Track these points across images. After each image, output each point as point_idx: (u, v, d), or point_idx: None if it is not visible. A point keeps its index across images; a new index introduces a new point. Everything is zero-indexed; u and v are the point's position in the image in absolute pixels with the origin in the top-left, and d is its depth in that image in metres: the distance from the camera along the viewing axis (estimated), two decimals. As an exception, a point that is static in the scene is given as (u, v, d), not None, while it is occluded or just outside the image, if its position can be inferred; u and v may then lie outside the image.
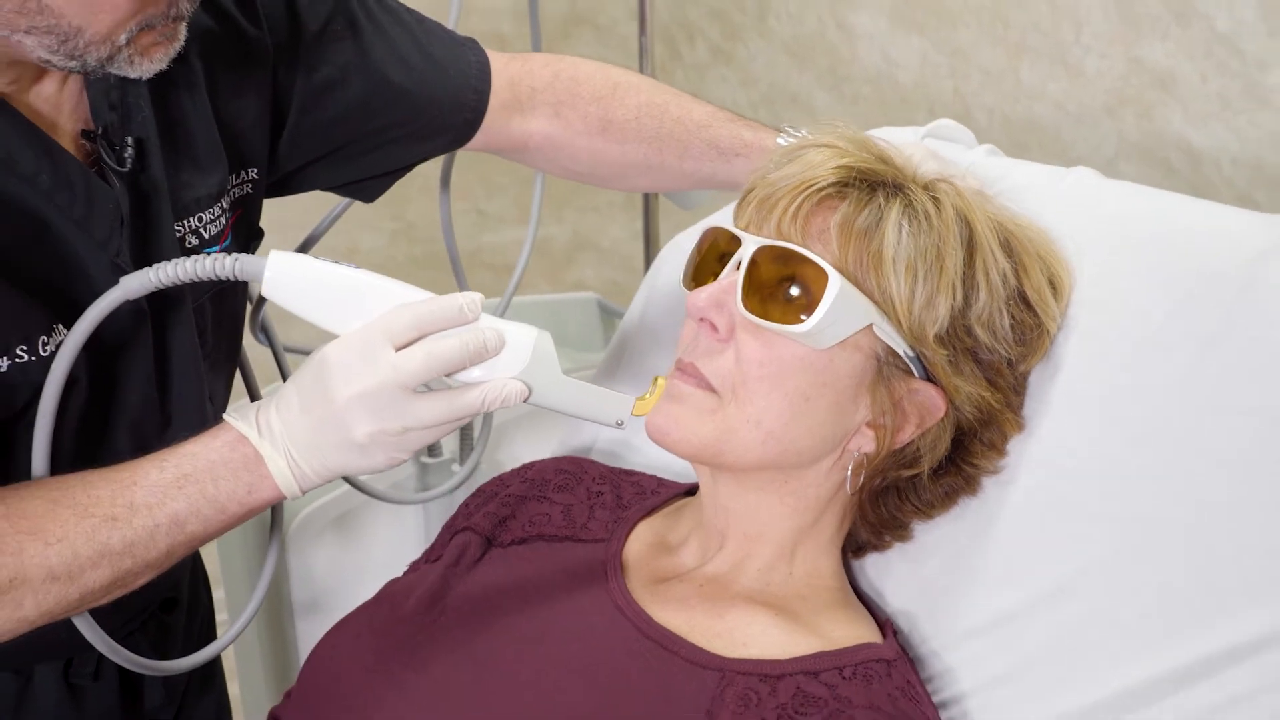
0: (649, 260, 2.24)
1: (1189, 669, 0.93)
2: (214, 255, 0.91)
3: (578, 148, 1.28)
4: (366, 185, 1.28)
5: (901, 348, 0.98)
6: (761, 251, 0.98)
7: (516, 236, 2.84)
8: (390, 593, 1.10)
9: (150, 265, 0.93)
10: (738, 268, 0.98)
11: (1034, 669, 1.00)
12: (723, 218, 1.14)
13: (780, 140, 1.20)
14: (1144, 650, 0.95)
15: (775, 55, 2.44)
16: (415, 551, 1.66)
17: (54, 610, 0.92)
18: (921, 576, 1.08)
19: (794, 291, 0.96)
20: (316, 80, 1.16)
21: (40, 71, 0.98)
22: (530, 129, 1.27)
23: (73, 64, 0.92)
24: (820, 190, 0.98)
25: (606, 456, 1.30)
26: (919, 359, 0.99)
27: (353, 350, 0.88)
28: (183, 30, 0.95)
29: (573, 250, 2.91)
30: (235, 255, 0.92)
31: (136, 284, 0.93)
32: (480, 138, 1.26)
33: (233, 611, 1.67)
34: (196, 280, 0.92)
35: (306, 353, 1.62)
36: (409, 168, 1.29)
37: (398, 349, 0.87)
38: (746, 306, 0.97)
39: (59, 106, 1.00)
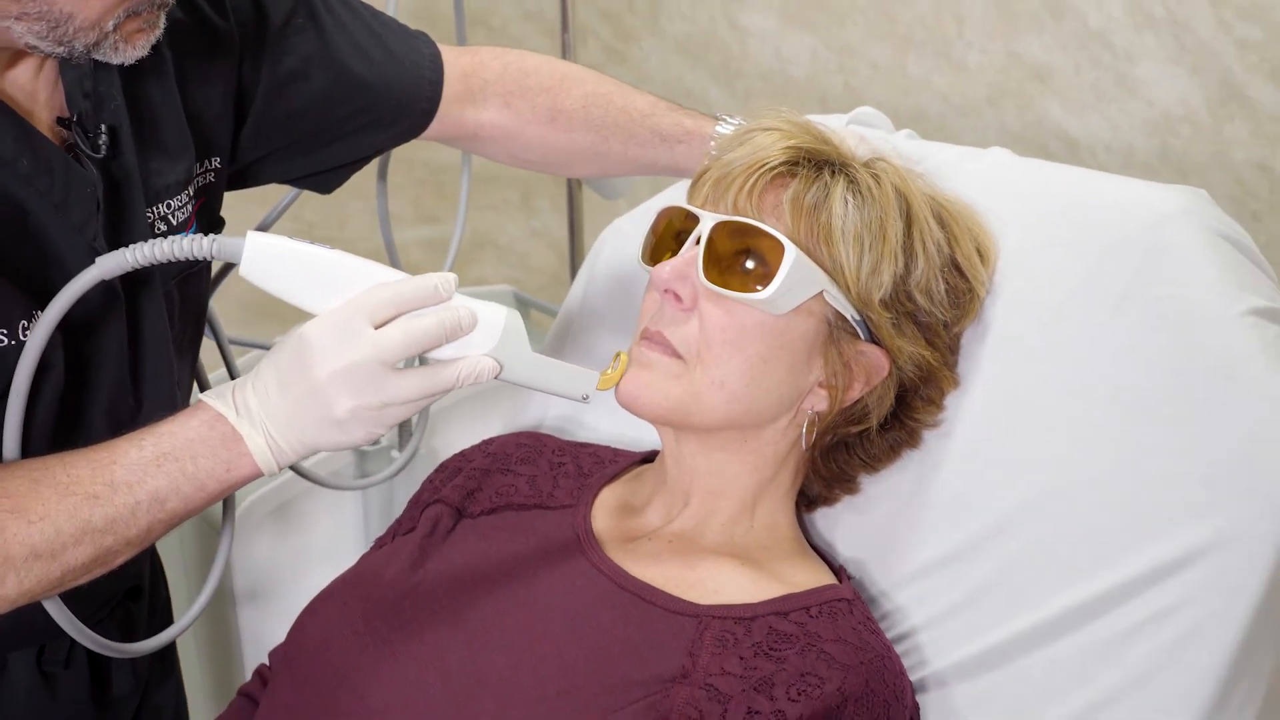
0: (575, 251, 2.29)
1: (1120, 589, 1.04)
2: (191, 236, 0.93)
3: (528, 136, 1.34)
4: (323, 177, 1.32)
5: (850, 312, 1.07)
6: (720, 227, 1.06)
7: (416, 236, 2.86)
8: (369, 564, 1.15)
9: (140, 242, 0.95)
10: (697, 242, 1.06)
11: (978, 602, 1.10)
12: (663, 201, 1.22)
13: (719, 128, 1.28)
14: (1077, 577, 1.06)
15: (668, 54, 2.50)
16: (355, 538, 1.71)
17: (35, 589, 0.93)
18: (868, 526, 1.18)
19: (751, 263, 1.05)
20: (281, 72, 1.20)
21: (14, 59, 1.00)
22: (483, 119, 1.33)
23: (60, 49, 0.95)
24: (772, 169, 1.07)
25: (556, 433, 1.37)
26: (864, 323, 1.07)
27: (332, 328, 0.91)
28: (163, 19, 0.99)
29: (471, 249, 2.94)
30: (213, 236, 0.93)
31: (113, 263, 0.94)
32: (435, 127, 1.31)
33: (176, 598, 1.68)
34: (173, 260, 0.94)
35: (251, 345, 1.65)
36: (367, 159, 1.33)
37: (376, 327, 0.91)
38: (708, 277, 1.05)
39: (34, 95, 1.03)
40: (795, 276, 1.04)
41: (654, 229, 1.14)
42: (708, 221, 1.07)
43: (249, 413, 0.93)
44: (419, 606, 1.07)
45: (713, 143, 1.27)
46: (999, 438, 1.12)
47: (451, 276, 0.95)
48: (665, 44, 2.55)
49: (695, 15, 2.43)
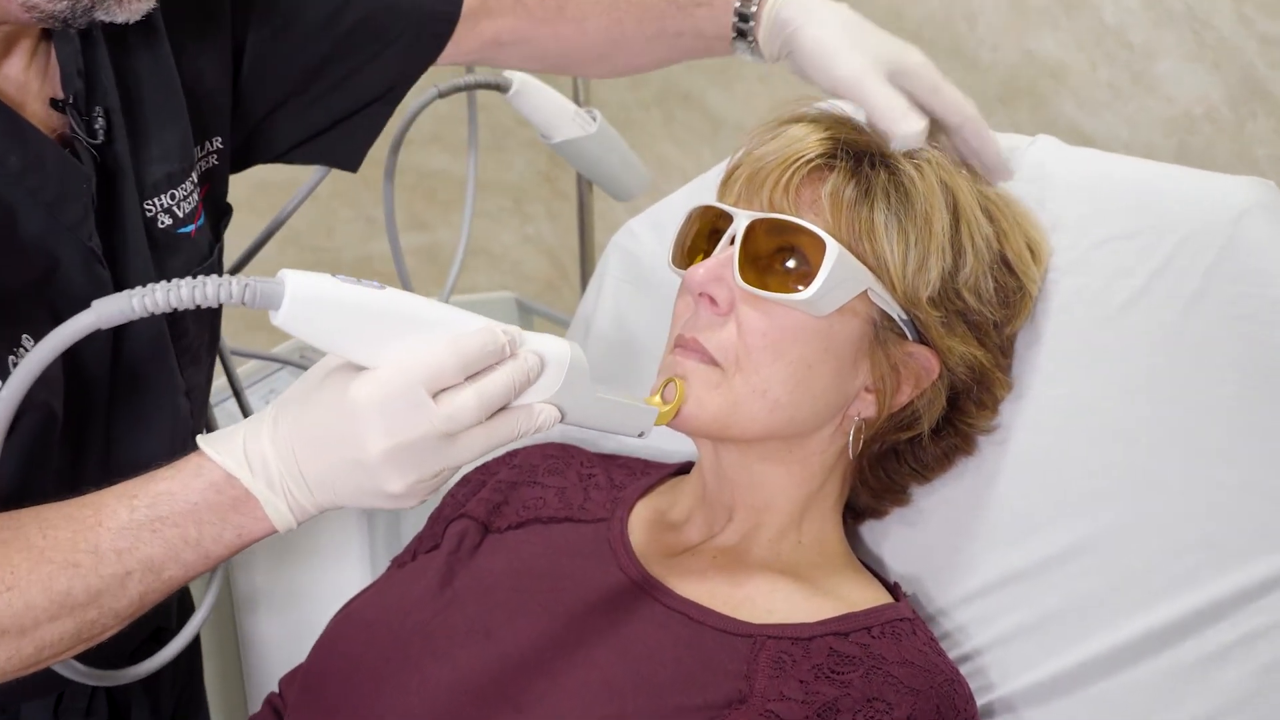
0: (585, 257, 2.23)
1: (1206, 610, 0.98)
2: (214, 280, 0.76)
3: (542, 36, 1.25)
4: (341, 145, 1.22)
5: (896, 312, 1.00)
6: (756, 225, 0.99)
7: (406, 243, 2.78)
8: (392, 584, 1.08)
9: (150, 284, 0.77)
10: (732, 242, 1.00)
11: (1048, 623, 1.03)
12: (694, 200, 1.15)
13: None
14: (1156, 598, 0.99)
15: (666, 53, 2.46)
16: (358, 547, 1.63)
17: (5, 668, 0.82)
18: (921, 541, 1.11)
19: (791, 262, 0.98)
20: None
21: (6, 50, 0.93)
22: (499, 26, 1.24)
23: (60, 6, 0.87)
24: (809, 162, 1.00)
25: (579, 442, 1.30)
26: (912, 322, 1.01)
27: (393, 397, 0.79)
28: None
29: (465, 256, 2.88)
30: (243, 280, 0.77)
31: (114, 310, 0.76)
32: (452, 48, 1.22)
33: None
34: (195, 308, 0.77)
35: (257, 357, 1.58)
36: (384, 100, 1.22)
37: (437, 393, 0.80)
38: (744, 278, 0.98)
39: (25, 86, 0.95)
40: (838, 275, 0.97)
41: (685, 228, 1.07)
42: (742, 220, 1.00)
43: (267, 473, 0.81)
44: (449, 627, 1.00)
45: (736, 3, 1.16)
46: (1060, 446, 1.06)
47: (515, 329, 0.84)
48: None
49: (694, 13, 2.38)
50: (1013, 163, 1.14)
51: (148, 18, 0.93)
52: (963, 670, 1.03)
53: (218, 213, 1.13)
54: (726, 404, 0.99)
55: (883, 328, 1.01)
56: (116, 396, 1.04)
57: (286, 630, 1.53)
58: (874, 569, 1.12)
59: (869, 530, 1.15)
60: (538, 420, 0.85)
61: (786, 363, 0.99)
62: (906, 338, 1.02)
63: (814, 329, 0.99)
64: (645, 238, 1.38)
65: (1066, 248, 1.09)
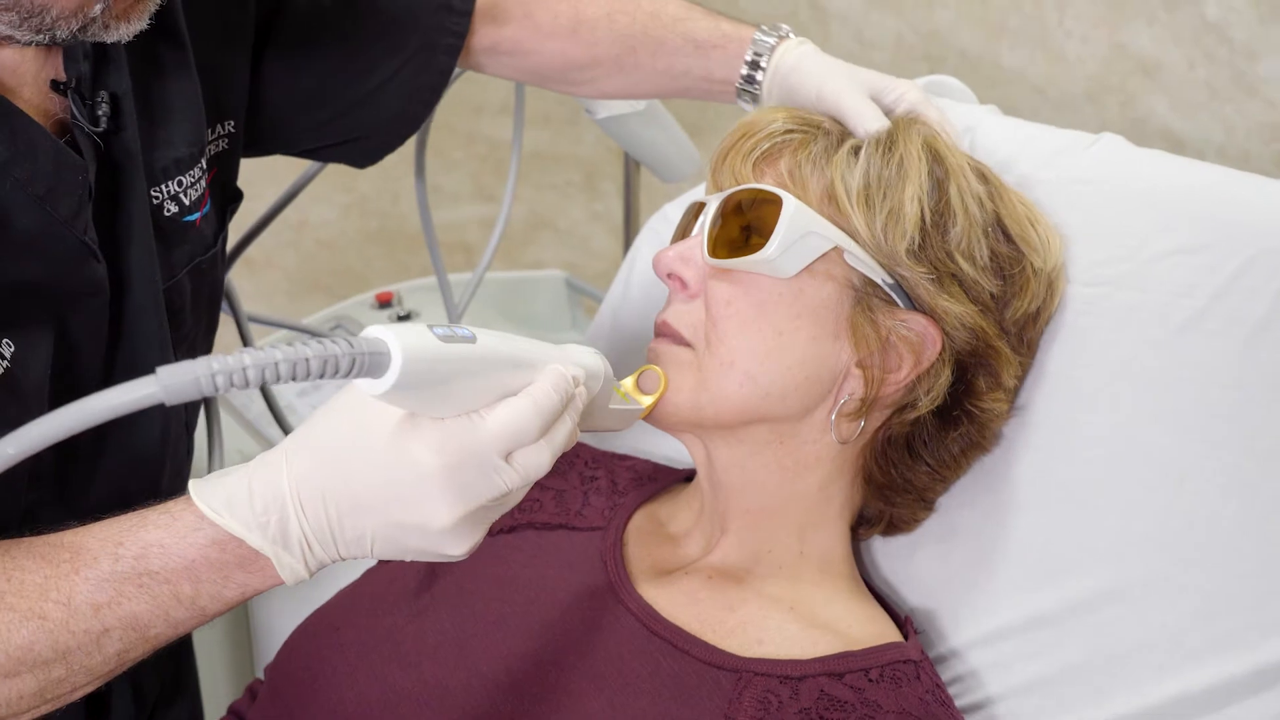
0: (629, 239, 2.17)
1: (1246, 679, 0.87)
2: (318, 349, 0.62)
3: (547, 51, 1.19)
4: (357, 150, 1.18)
5: (879, 275, 0.93)
6: (724, 203, 0.96)
7: (473, 214, 2.75)
8: (370, 584, 1.02)
9: (242, 351, 0.62)
10: (705, 224, 0.96)
11: (1069, 676, 0.94)
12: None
13: (759, 35, 1.13)
14: (1191, 658, 0.90)
15: (743, 34, 2.39)
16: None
17: None
18: (941, 570, 1.02)
19: (754, 230, 0.94)
20: None
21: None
22: (503, 35, 1.19)
23: (40, 38, 0.81)
24: (770, 136, 0.98)
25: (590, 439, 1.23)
26: (899, 286, 0.94)
27: (470, 465, 0.71)
28: None
29: (530, 230, 2.83)
30: (351, 346, 0.63)
31: (179, 384, 0.60)
32: None
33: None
34: (284, 382, 0.63)
35: (278, 325, 1.53)
36: (402, 124, 1.18)
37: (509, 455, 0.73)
38: (712, 255, 0.95)
39: (20, 70, 0.88)
40: (797, 228, 0.91)
41: (678, 229, 1.04)
42: (713, 201, 0.97)
43: (284, 531, 0.71)
44: (421, 635, 0.94)
45: (749, 53, 1.12)
46: (1098, 480, 0.96)
47: (576, 368, 0.78)
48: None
49: (775, -6, 2.31)
50: (1070, 162, 1.04)
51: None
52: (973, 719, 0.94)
53: (225, 198, 1.08)
54: (696, 383, 0.94)
55: (866, 293, 0.94)
56: (111, 384, 0.98)
57: (299, 614, 1.49)
58: (888, 598, 1.03)
59: (886, 556, 1.06)
60: (567, 444, 0.78)
61: (754, 331, 0.93)
62: (897, 304, 0.94)
63: (780, 293, 0.93)
64: (677, 221, 1.30)
65: (1121, 259, 0.99)
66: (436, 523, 0.71)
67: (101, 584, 0.72)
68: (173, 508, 0.74)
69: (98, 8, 0.80)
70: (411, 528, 0.72)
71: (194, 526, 0.72)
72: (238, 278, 1.48)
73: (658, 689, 0.87)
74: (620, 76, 1.21)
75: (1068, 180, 1.03)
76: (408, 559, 0.74)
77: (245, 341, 1.38)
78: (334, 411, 0.73)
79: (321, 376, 0.63)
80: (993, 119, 1.13)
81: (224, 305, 1.33)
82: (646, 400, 0.93)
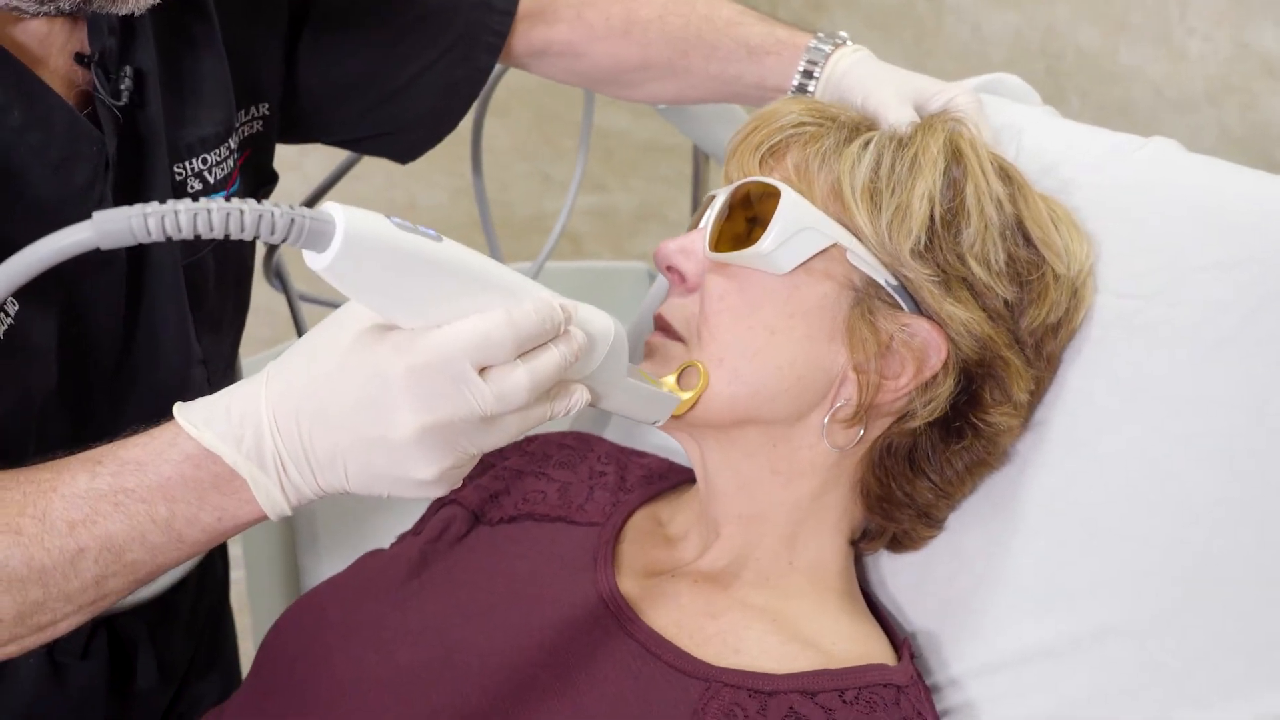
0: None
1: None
2: (255, 206, 0.62)
3: (597, 52, 1.17)
4: (393, 136, 1.18)
5: (883, 276, 0.89)
6: (731, 195, 0.93)
7: (582, 203, 2.75)
8: (364, 567, 1.02)
9: (172, 201, 0.62)
10: (710, 217, 0.93)
11: (1069, 715, 0.88)
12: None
13: (812, 43, 1.09)
14: (1194, 703, 0.83)
15: (857, 27, 2.33)
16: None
17: None
18: (948, 593, 0.96)
19: (754, 224, 0.91)
20: None
21: None
22: (553, 36, 1.17)
23: (46, 8, 0.81)
24: (781, 129, 0.94)
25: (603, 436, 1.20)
26: (904, 289, 0.89)
27: (436, 368, 0.68)
28: None
29: (638, 221, 2.82)
30: (293, 210, 0.62)
31: (113, 228, 0.60)
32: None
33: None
34: (217, 237, 0.62)
35: (321, 303, 1.54)
36: (439, 121, 1.18)
37: (487, 368, 0.70)
38: (713, 248, 0.92)
39: (48, 40, 0.89)
40: (794, 223, 0.88)
41: (691, 220, 1.01)
42: (721, 195, 0.94)
43: (259, 448, 0.70)
44: (403, 622, 0.93)
45: (803, 60, 1.09)
46: (1112, 506, 0.90)
47: (571, 304, 0.75)
48: (857, 15, 2.39)
49: (892, -15, 2.25)
50: (1117, 166, 0.97)
51: None
52: (961, 754, 0.89)
53: (259, 181, 1.09)
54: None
55: (867, 294, 0.89)
56: (125, 362, 0.99)
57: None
58: (892, 617, 0.98)
59: (894, 573, 1.01)
60: (571, 401, 0.76)
61: (745, 327, 0.90)
62: (901, 307, 0.89)
63: (777, 290, 0.90)
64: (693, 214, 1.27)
65: (1157, 269, 0.92)
66: (398, 432, 0.68)
67: (77, 500, 0.72)
68: (155, 429, 0.74)
69: None
70: (376, 441, 0.69)
71: (170, 442, 0.72)
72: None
73: (622, 691, 0.85)
74: (671, 80, 1.19)
75: (1112, 185, 0.97)
76: (382, 492, 0.72)
77: (298, 324, 1.39)
78: (313, 333, 0.73)
79: (258, 236, 0.61)
80: (1047, 120, 1.07)
81: (277, 285, 1.34)
82: (685, 395, 0.89)
